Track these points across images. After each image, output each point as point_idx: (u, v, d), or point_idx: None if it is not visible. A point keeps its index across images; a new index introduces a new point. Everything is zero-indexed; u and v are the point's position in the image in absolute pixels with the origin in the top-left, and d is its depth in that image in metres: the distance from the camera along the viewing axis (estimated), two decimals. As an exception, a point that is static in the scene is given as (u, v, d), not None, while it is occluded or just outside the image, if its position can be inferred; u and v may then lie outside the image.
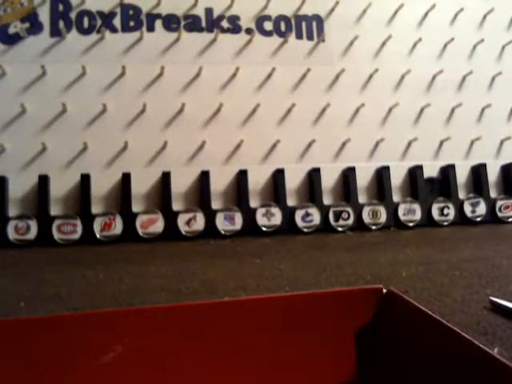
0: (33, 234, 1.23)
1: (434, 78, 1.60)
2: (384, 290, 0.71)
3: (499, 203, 1.55)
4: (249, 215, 1.34)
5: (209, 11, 1.42)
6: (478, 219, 1.51)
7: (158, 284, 0.88)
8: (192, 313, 0.67)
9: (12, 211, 1.26)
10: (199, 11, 1.41)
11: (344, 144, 1.50)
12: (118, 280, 0.91)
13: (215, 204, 1.36)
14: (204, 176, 1.35)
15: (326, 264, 1.01)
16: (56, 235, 1.23)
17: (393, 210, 1.45)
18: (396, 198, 1.50)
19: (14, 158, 1.29)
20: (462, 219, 1.50)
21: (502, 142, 1.63)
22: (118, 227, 1.26)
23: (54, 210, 1.28)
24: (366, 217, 1.43)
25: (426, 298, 0.71)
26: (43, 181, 1.27)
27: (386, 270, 0.96)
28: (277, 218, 1.35)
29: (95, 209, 1.30)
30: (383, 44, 1.56)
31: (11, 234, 1.21)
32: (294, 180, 1.44)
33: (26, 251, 1.21)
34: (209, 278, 0.92)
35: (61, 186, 1.29)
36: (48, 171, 1.29)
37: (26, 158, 1.29)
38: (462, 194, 1.55)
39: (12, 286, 0.89)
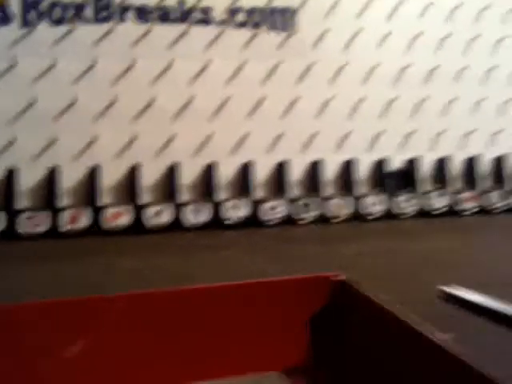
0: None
1: (402, 70, 1.62)
2: (336, 278, 0.75)
3: (461, 195, 1.60)
4: (215, 208, 1.37)
5: (181, 2, 1.41)
6: (441, 211, 1.57)
7: (123, 278, 0.92)
8: (150, 300, 0.71)
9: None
10: (171, 2, 1.41)
11: (313, 136, 1.53)
12: (85, 274, 0.95)
13: (182, 197, 1.39)
14: (172, 169, 1.38)
15: (291, 256, 1.05)
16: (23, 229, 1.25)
17: (358, 202, 1.50)
18: (361, 190, 1.54)
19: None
20: (425, 211, 1.55)
21: (466, 135, 1.67)
22: (84, 220, 1.28)
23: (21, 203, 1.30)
24: (332, 209, 1.47)
25: (385, 288, 0.74)
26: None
27: (349, 261, 1.01)
28: (243, 210, 1.39)
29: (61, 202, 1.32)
30: (354, 36, 1.57)
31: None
32: (262, 172, 1.47)
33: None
34: (175, 271, 0.96)
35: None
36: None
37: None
38: (426, 187, 1.60)
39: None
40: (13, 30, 1.28)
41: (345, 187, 1.53)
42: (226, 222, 1.33)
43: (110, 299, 0.69)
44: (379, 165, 1.57)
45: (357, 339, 0.70)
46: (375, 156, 1.58)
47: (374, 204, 1.50)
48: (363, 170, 1.56)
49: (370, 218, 1.49)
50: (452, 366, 0.37)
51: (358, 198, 1.49)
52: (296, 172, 1.50)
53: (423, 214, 1.56)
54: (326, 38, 1.56)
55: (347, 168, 1.53)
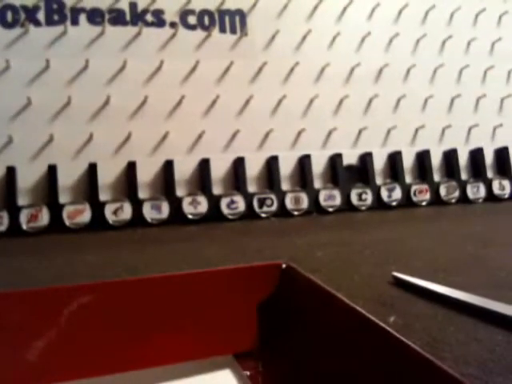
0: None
1: (352, 70, 1.68)
2: (283, 266, 0.78)
3: (414, 188, 1.66)
4: (175, 204, 1.39)
5: (133, 5, 1.45)
6: (394, 203, 1.61)
7: (83, 272, 0.92)
8: (103, 291, 0.72)
9: None
10: (123, 5, 1.44)
11: (267, 134, 1.56)
12: (44, 269, 0.94)
13: (142, 194, 1.40)
14: (130, 167, 1.39)
15: (247, 248, 1.07)
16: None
17: (314, 196, 1.53)
18: (317, 184, 1.58)
19: None
20: (379, 204, 1.60)
21: (416, 130, 1.73)
22: (44, 218, 1.28)
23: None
24: (289, 203, 1.50)
25: (336, 275, 0.77)
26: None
27: (303, 252, 1.03)
28: (203, 206, 1.41)
29: (22, 201, 1.32)
30: (304, 38, 1.63)
31: None
32: (219, 169, 1.49)
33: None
34: (133, 265, 0.96)
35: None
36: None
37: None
38: (379, 180, 1.65)
39: None
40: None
41: (301, 182, 1.56)
42: (189, 217, 1.35)
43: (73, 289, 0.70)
44: (333, 160, 1.61)
45: (303, 324, 0.73)
46: (329, 152, 1.62)
47: (330, 197, 1.54)
48: (318, 165, 1.60)
49: (330, 210, 1.52)
50: (395, 349, 0.39)
51: (314, 192, 1.52)
52: (253, 168, 1.53)
53: (378, 206, 1.60)
54: (277, 39, 1.60)
55: (302, 164, 1.57)
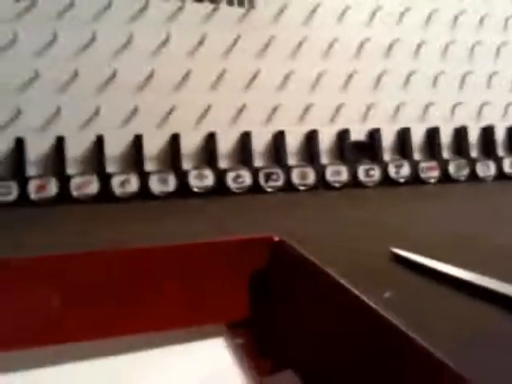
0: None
1: (361, 45, 1.66)
2: (276, 239, 0.79)
3: (422, 165, 1.64)
4: (181, 177, 1.39)
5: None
6: (402, 180, 1.60)
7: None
8: (101, 260, 0.73)
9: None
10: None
11: (275, 108, 1.55)
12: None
13: (149, 166, 1.41)
14: (137, 139, 1.39)
15: (246, 222, 1.07)
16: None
17: (321, 171, 1.52)
18: (324, 160, 1.57)
19: None
20: (386, 180, 1.59)
21: (426, 107, 1.72)
22: (52, 190, 1.30)
23: None
24: (295, 178, 1.49)
25: (332, 250, 0.77)
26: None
27: (303, 226, 1.03)
28: (209, 179, 1.41)
29: (30, 172, 1.33)
30: (313, 11, 1.61)
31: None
32: (226, 143, 1.49)
33: None
34: (122, 238, 0.97)
35: None
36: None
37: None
38: (387, 157, 1.64)
39: None
40: None
41: (308, 157, 1.55)
42: (195, 190, 1.35)
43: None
44: (341, 136, 1.60)
45: (294, 296, 0.73)
46: (337, 127, 1.61)
47: (336, 173, 1.53)
48: (325, 141, 1.59)
49: (336, 185, 1.51)
50: (384, 328, 0.39)
51: (321, 167, 1.52)
52: (260, 143, 1.52)
53: (385, 182, 1.59)
54: (285, 12, 1.59)
55: (310, 139, 1.56)
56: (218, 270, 0.81)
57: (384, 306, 0.32)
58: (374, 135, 1.62)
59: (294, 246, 0.77)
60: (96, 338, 0.72)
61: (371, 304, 0.42)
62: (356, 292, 0.48)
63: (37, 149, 1.35)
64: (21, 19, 1.34)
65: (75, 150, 1.36)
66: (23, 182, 1.29)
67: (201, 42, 1.50)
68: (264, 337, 0.77)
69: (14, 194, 1.27)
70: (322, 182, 1.52)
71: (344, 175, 1.54)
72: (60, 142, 1.36)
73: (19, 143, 1.33)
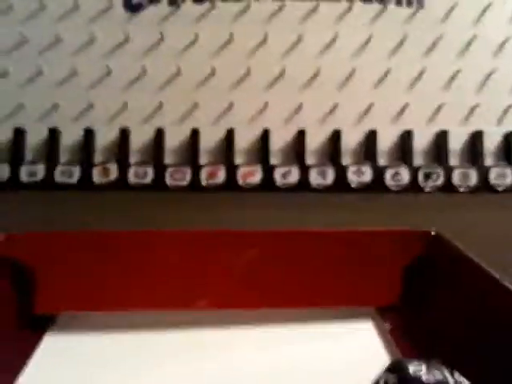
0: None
1: (537, 43, 1.59)
2: (433, 233, 0.82)
3: None
4: (339, 172, 1.44)
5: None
6: None
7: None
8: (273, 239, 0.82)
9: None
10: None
11: (440, 107, 1.54)
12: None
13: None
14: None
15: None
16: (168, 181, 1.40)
17: (484, 173, 1.48)
18: (489, 162, 1.53)
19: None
20: None
21: None
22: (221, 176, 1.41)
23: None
24: (456, 179, 1.47)
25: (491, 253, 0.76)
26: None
27: (465, 227, 1.03)
28: (367, 175, 1.44)
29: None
30: (484, 10, 1.57)
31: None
32: (386, 141, 1.52)
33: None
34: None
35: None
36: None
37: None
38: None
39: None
40: (162, 8, 1.45)
41: (471, 158, 1.52)
42: (352, 186, 1.40)
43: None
44: (510, 136, 1.54)
45: (447, 290, 0.76)
46: (504, 128, 1.56)
47: (501, 176, 1.48)
48: (491, 142, 1.55)
49: (499, 189, 1.47)
50: None
51: (484, 169, 1.48)
52: (421, 142, 1.53)
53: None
54: (455, 12, 1.57)
55: (474, 139, 1.53)
56: (375, 257, 0.86)
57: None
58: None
59: (452, 242, 0.79)
60: (253, 308, 0.80)
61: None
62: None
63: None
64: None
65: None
66: (196, 168, 1.42)
67: (367, 42, 1.53)
68: (412, 324, 0.79)
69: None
70: (483, 184, 1.48)
71: (509, 178, 1.48)
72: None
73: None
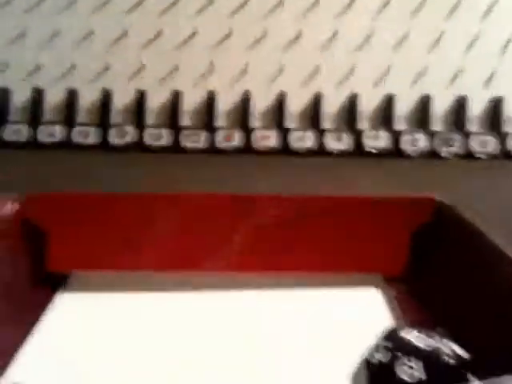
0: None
1: None
2: (436, 199, 0.82)
3: None
4: (356, 137, 1.43)
5: None
6: None
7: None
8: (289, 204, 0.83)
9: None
10: None
11: (459, 71, 1.51)
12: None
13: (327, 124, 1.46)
14: (317, 98, 1.46)
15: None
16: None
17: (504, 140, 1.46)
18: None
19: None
20: None
21: None
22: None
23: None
24: (475, 145, 1.45)
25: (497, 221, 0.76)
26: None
27: (482, 195, 1.02)
28: (384, 141, 1.43)
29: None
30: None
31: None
32: (405, 106, 1.50)
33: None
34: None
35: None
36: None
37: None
38: None
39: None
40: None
41: (492, 125, 1.49)
42: (371, 151, 1.39)
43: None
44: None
45: (454, 258, 0.76)
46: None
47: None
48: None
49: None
50: None
51: (504, 136, 1.46)
52: (441, 106, 1.50)
53: None
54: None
55: (495, 106, 1.50)
56: (379, 224, 0.85)
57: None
58: None
59: (455, 208, 0.79)
60: (261, 271, 0.80)
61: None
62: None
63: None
64: None
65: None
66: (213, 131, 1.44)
67: (385, 5, 1.50)
68: (418, 292, 0.80)
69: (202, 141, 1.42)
70: (502, 152, 1.46)
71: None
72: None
73: (210, 95, 1.46)
